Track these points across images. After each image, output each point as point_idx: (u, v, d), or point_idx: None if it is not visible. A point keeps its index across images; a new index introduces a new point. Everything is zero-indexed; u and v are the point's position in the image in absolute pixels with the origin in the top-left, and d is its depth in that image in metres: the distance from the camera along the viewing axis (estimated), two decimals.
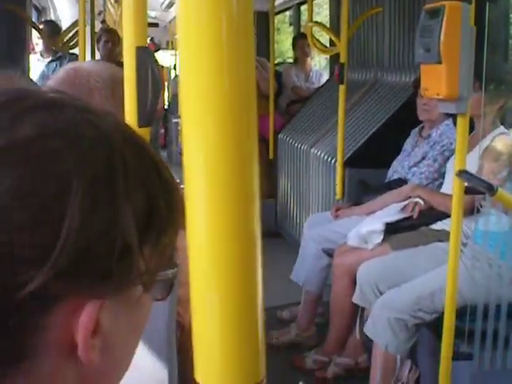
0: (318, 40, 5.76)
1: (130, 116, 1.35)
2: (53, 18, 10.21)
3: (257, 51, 9.21)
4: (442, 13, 2.59)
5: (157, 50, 13.28)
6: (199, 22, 0.55)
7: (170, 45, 14.10)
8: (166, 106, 13.47)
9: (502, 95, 3.56)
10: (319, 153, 5.41)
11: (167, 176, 0.68)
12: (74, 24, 5.60)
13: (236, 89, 0.56)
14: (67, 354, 0.61)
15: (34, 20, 7.96)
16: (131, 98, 1.34)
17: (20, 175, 0.58)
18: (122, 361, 0.70)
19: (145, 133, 1.36)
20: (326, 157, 5.27)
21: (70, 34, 5.76)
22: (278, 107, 7.01)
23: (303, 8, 8.21)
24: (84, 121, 0.63)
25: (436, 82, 2.65)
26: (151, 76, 1.33)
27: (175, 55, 13.30)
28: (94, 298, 0.60)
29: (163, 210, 0.66)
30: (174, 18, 12.20)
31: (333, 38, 5.22)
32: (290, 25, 8.60)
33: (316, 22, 5.69)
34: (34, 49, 7.03)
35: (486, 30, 2.85)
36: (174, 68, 14.00)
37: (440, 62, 2.60)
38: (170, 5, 11.16)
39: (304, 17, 8.05)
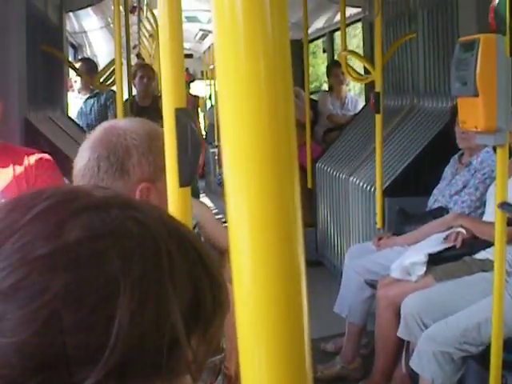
0: (352, 68, 5.76)
1: (171, 176, 1.37)
2: (89, 54, 10.38)
3: (292, 79, 9.22)
4: (476, 46, 2.59)
5: (192, 81, 13.40)
6: (236, 54, 0.56)
7: (205, 75, 14.23)
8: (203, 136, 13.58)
9: None
10: (358, 181, 5.40)
11: (212, 267, 0.69)
12: (111, 63, 5.68)
13: (275, 119, 0.56)
14: None
15: (70, 57, 8.10)
16: (172, 159, 1.35)
17: (69, 279, 0.59)
18: None
19: (186, 192, 1.38)
20: (365, 185, 5.25)
21: (107, 73, 5.84)
22: (315, 136, 7.02)
23: (336, 34, 8.23)
24: (129, 219, 0.64)
25: (473, 115, 2.64)
26: (191, 136, 1.35)
27: (210, 85, 13.42)
28: None
29: (209, 301, 0.67)
30: (208, 48, 12.35)
31: (367, 67, 5.22)
32: (324, 52, 8.62)
33: (350, 51, 5.70)
34: (72, 86, 7.14)
35: None
36: (210, 98, 14.11)
37: (477, 95, 2.59)
38: (204, 36, 11.28)
39: (338, 40, 8.07)
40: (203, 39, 11.66)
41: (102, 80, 5.89)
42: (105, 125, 1.66)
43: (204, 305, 0.66)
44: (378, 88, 4.83)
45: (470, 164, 4.05)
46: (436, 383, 3.14)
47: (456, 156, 4.23)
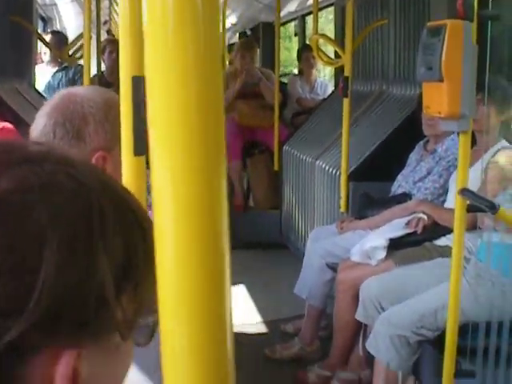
0: (323, 52, 5.75)
1: (126, 145, 1.35)
2: (58, 27, 10.25)
3: (263, 61, 9.25)
4: (443, 31, 2.59)
5: None
6: (165, 42, 0.55)
7: None
8: None
9: (505, 108, 3.55)
10: (324, 165, 5.41)
11: (146, 225, 0.68)
12: (80, 36, 5.61)
13: (204, 115, 0.56)
14: None
15: (40, 30, 8.00)
16: (127, 128, 1.34)
17: None
18: None
19: (140, 161, 1.37)
20: (330, 169, 5.26)
21: (76, 46, 5.77)
22: (283, 118, 7.02)
23: (310, 18, 8.22)
24: (63, 174, 0.63)
25: (438, 100, 2.65)
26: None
27: None
28: (71, 347, 0.61)
29: (141, 259, 0.66)
30: None
31: (338, 51, 5.21)
32: (296, 35, 8.60)
33: (321, 35, 5.68)
34: (40, 58, 7.07)
35: (489, 47, 2.83)
36: None
37: (441, 80, 2.60)
38: None
39: (310, 24, 8.06)
40: None
41: (70, 53, 5.82)
42: (63, 92, 1.65)
43: (135, 262, 0.65)
44: (347, 72, 4.83)
45: (434, 151, 4.07)
46: (391, 366, 3.16)
47: (421, 143, 4.24)
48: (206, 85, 0.56)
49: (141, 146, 1.34)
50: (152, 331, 0.74)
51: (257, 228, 6.65)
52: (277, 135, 6.54)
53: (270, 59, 6.84)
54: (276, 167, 6.58)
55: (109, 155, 1.56)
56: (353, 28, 4.90)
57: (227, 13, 8.20)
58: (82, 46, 5.45)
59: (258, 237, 6.58)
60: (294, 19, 8.69)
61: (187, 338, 0.58)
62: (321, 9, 6.64)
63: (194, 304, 0.58)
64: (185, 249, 0.57)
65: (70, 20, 10.34)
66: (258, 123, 6.79)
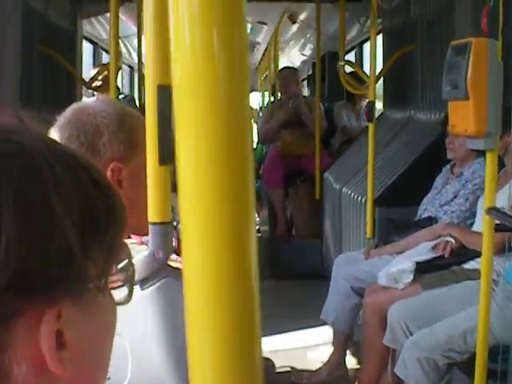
0: (349, 78, 5.76)
1: (151, 154, 1.35)
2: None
3: (328, 89, 9.04)
4: (468, 49, 2.58)
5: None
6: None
7: (259, 86, 14.30)
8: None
9: None
10: (350, 192, 5.38)
11: (101, 179, 0.70)
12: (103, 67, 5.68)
13: (232, 124, 0.56)
14: (39, 369, 0.62)
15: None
16: (152, 137, 1.34)
17: None
18: (99, 366, 0.71)
19: (165, 171, 1.36)
20: (356, 196, 5.24)
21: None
22: (331, 147, 6.98)
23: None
24: (4, 141, 0.64)
25: (464, 119, 2.63)
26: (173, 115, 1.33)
27: (262, 96, 13.48)
28: (49, 307, 0.61)
29: (102, 211, 0.67)
30: (261, 60, 12.39)
31: (362, 77, 5.22)
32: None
33: (347, 61, 5.70)
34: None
35: None
36: (261, 109, 14.06)
37: (467, 99, 2.58)
38: (252, 46, 11.18)
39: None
40: (252, 50, 11.58)
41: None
42: (74, 106, 1.64)
43: (97, 214, 0.66)
44: (371, 97, 4.82)
45: (461, 174, 4.03)
46: None
47: (448, 166, 4.21)
48: (234, 93, 0.56)
49: (166, 155, 1.34)
50: (131, 288, 0.75)
51: (299, 257, 6.52)
52: (318, 163, 6.49)
53: (336, 86, 6.75)
54: (317, 195, 6.54)
55: (125, 166, 1.53)
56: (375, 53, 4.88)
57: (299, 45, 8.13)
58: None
59: (301, 266, 6.45)
60: (354, 48, 8.54)
61: (213, 345, 0.58)
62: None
63: (222, 316, 0.57)
64: (212, 256, 0.57)
65: None
66: (300, 152, 6.78)
